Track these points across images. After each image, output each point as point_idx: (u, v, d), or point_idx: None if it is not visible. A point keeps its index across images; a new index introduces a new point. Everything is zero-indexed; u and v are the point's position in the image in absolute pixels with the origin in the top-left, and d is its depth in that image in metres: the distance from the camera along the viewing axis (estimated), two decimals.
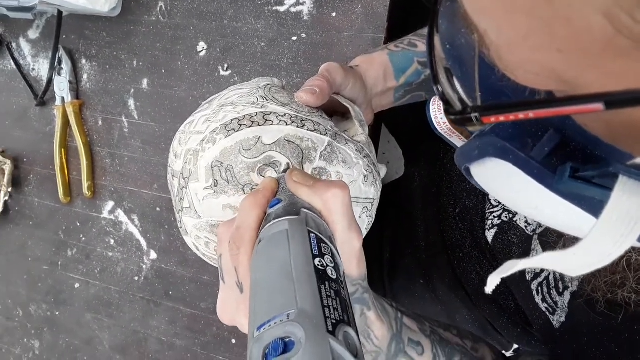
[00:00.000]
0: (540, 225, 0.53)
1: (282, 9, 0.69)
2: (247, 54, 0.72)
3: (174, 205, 0.46)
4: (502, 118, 0.21)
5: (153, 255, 0.81)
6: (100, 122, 0.83)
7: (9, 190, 0.88)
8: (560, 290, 0.47)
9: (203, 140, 0.41)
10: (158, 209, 0.80)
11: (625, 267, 0.36)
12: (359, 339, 0.26)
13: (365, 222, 0.47)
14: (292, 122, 0.42)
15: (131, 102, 0.80)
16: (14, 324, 0.92)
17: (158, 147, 0.79)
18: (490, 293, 0.28)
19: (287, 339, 0.23)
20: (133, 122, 0.80)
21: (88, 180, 0.83)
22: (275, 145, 0.40)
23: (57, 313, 0.89)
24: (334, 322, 0.25)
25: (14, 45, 0.87)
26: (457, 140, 0.43)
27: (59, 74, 0.82)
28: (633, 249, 0.36)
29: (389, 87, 0.56)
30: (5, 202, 0.89)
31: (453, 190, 0.74)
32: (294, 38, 0.69)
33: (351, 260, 0.36)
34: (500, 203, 0.62)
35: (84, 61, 0.83)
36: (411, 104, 0.60)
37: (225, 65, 0.73)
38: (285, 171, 0.40)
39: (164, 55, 0.77)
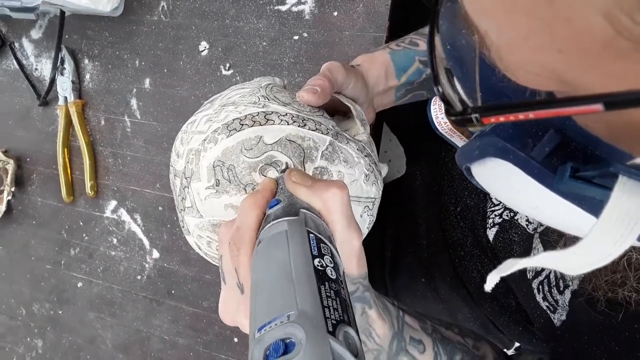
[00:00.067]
0: (541, 224, 0.53)
1: (283, 8, 0.70)
2: (248, 53, 0.72)
3: (176, 204, 0.47)
4: (502, 119, 0.21)
5: (155, 254, 0.81)
6: (102, 122, 0.83)
7: (12, 189, 0.88)
8: (561, 289, 0.47)
9: (205, 140, 0.42)
10: (160, 208, 0.80)
11: (626, 266, 0.36)
12: (359, 338, 0.26)
13: (367, 221, 0.47)
14: (294, 122, 0.42)
15: (133, 102, 0.80)
16: (17, 323, 0.92)
17: (160, 147, 0.79)
18: (490, 291, 0.28)
19: (288, 340, 0.24)
20: (135, 121, 0.80)
21: (91, 179, 0.83)
22: (276, 144, 0.41)
23: (60, 312, 0.89)
24: (334, 322, 0.25)
25: (16, 45, 0.88)
26: (458, 140, 0.43)
27: (62, 74, 0.82)
28: (633, 248, 0.36)
29: (390, 86, 0.56)
30: (9, 202, 0.89)
31: (454, 189, 0.74)
32: (296, 37, 0.69)
33: (351, 259, 0.36)
34: (501, 202, 0.62)
35: (86, 61, 0.83)
36: (412, 103, 0.60)
37: (227, 65, 0.73)
38: (284, 171, 0.40)
39: (166, 55, 0.77)
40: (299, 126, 0.42)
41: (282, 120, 0.42)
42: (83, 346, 0.87)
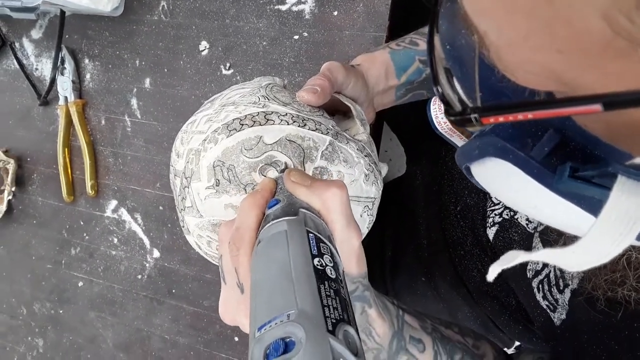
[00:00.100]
0: (541, 223, 0.53)
1: (283, 7, 0.70)
2: (249, 53, 0.72)
3: (176, 204, 0.47)
4: (501, 119, 0.21)
5: (156, 253, 0.81)
6: (103, 122, 0.83)
7: (13, 189, 0.88)
8: (561, 288, 0.47)
9: (205, 139, 0.42)
10: (161, 207, 0.80)
11: (626, 266, 0.36)
12: (359, 337, 0.26)
13: (367, 221, 0.48)
14: (294, 122, 0.42)
15: (134, 102, 0.80)
16: (18, 322, 0.93)
17: (161, 146, 0.79)
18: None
19: (288, 339, 0.24)
20: (136, 121, 0.80)
21: (91, 179, 0.83)
22: (276, 144, 0.41)
23: (61, 311, 0.89)
24: (334, 321, 0.25)
25: (17, 45, 0.88)
26: (458, 140, 0.43)
27: (62, 74, 0.82)
28: (633, 247, 0.36)
29: (390, 85, 0.56)
30: (9, 201, 0.89)
31: (454, 188, 0.74)
32: (296, 37, 0.69)
33: (351, 258, 0.36)
34: (501, 201, 0.62)
35: (86, 61, 0.83)
36: (413, 102, 0.60)
37: (228, 64, 0.73)
38: (284, 171, 0.40)
39: (166, 55, 0.77)
40: (298, 126, 0.42)
41: (282, 120, 0.42)
42: (84, 345, 0.87)
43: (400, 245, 0.85)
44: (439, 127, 0.43)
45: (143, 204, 0.81)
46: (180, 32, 0.76)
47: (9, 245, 0.93)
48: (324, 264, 0.29)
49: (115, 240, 0.84)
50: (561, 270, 0.47)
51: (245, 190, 0.41)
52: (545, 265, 0.50)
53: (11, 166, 0.88)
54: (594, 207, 0.25)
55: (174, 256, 0.80)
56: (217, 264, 0.40)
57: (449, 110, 0.24)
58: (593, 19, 0.15)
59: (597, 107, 0.17)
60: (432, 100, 0.44)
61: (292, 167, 0.41)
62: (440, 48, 0.27)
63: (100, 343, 0.86)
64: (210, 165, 0.41)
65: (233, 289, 0.36)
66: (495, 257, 0.65)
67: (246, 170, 0.40)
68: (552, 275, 0.48)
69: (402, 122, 0.95)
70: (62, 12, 0.78)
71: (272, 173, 0.41)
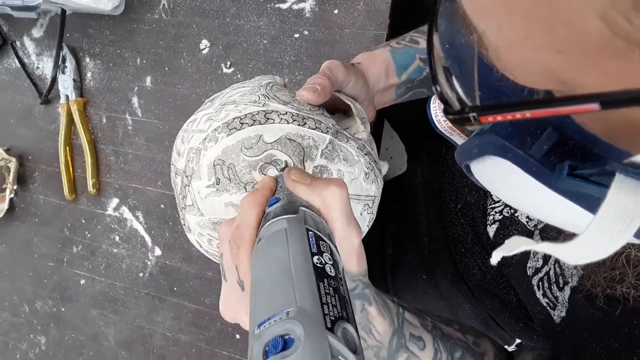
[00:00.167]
0: (541, 221, 0.53)
1: (284, 6, 0.70)
2: (249, 52, 0.72)
3: (177, 202, 0.47)
4: (499, 118, 0.21)
5: (157, 251, 0.81)
6: (104, 120, 0.83)
7: (15, 187, 0.89)
8: (561, 286, 0.47)
9: (205, 138, 0.42)
10: (162, 205, 0.80)
11: (625, 263, 0.36)
12: (358, 335, 0.26)
13: (367, 220, 0.48)
14: (294, 121, 0.42)
15: (135, 100, 0.80)
16: (20, 320, 0.93)
17: (162, 145, 0.79)
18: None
19: (287, 337, 0.24)
20: (137, 119, 0.81)
21: (93, 177, 0.83)
22: (276, 143, 0.41)
23: (63, 309, 0.89)
24: (333, 319, 0.25)
25: (18, 43, 0.88)
26: (458, 138, 0.43)
27: (63, 72, 0.82)
28: (632, 245, 0.36)
29: (390, 84, 0.56)
30: (11, 200, 0.89)
31: (455, 186, 0.75)
32: (296, 35, 0.69)
33: (351, 256, 0.37)
34: (501, 199, 0.62)
35: (87, 59, 0.83)
36: (413, 100, 0.60)
37: (228, 63, 0.74)
38: (284, 170, 0.41)
39: (167, 53, 0.77)
40: (298, 125, 0.42)
41: (282, 119, 0.42)
42: (86, 343, 0.88)
43: (401, 243, 0.85)
44: (438, 126, 0.43)
45: (144, 202, 0.82)
46: (180, 30, 0.76)
47: (11, 243, 0.93)
48: (324, 262, 0.29)
49: (117, 238, 0.84)
50: (561, 268, 0.48)
51: (246, 188, 0.41)
52: (545, 263, 0.50)
53: (13, 164, 0.88)
54: (592, 204, 0.25)
55: (175, 254, 0.80)
56: (218, 262, 0.40)
57: (447, 109, 0.24)
58: (591, 20, 0.15)
59: (595, 106, 0.17)
60: (432, 98, 0.44)
61: (292, 165, 0.41)
62: (439, 47, 0.27)
63: (102, 341, 0.86)
64: (210, 164, 0.41)
65: (234, 287, 0.37)
66: None
67: (246, 169, 0.41)
68: (552, 272, 0.49)
69: (402, 120, 0.95)
70: (63, 11, 0.78)
71: (272, 172, 0.41)
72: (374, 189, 0.47)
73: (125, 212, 0.83)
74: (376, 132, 0.71)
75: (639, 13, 0.14)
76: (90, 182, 0.83)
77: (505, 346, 0.57)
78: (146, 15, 0.78)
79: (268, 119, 0.42)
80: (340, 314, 0.26)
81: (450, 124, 0.43)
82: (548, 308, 0.49)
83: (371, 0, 0.65)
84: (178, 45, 0.77)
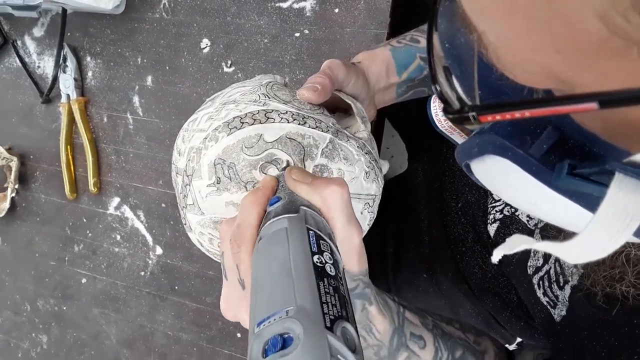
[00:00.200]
0: (541, 220, 0.53)
1: (284, 5, 0.70)
2: (250, 51, 0.72)
3: (178, 202, 0.47)
4: (498, 117, 0.21)
5: (159, 250, 0.82)
6: (105, 119, 0.83)
7: (16, 186, 0.89)
8: (561, 284, 0.47)
9: (206, 138, 0.42)
10: (163, 204, 0.80)
11: (624, 262, 0.36)
12: (357, 334, 0.26)
13: (367, 218, 0.48)
14: (294, 120, 0.42)
15: (136, 99, 0.80)
16: (22, 319, 0.93)
17: (163, 144, 0.79)
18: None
19: (286, 335, 0.24)
20: (138, 118, 0.81)
21: (94, 176, 0.84)
22: (277, 142, 0.41)
23: (65, 308, 0.90)
24: (332, 318, 0.25)
25: (19, 43, 0.88)
26: (458, 137, 0.43)
27: (64, 72, 0.83)
28: (632, 244, 0.36)
29: (391, 83, 0.56)
30: (12, 199, 0.90)
31: (455, 185, 0.75)
32: (297, 34, 0.69)
33: (351, 256, 0.37)
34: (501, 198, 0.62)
35: (88, 58, 0.83)
36: (414, 99, 0.60)
37: (229, 62, 0.74)
38: (284, 169, 0.41)
39: (168, 52, 0.77)
40: (299, 124, 0.42)
41: (282, 118, 0.42)
42: (87, 341, 0.88)
43: (401, 242, 0.85)
44: (439, 125, 0.43)
45: (145, 201, 0.82)
46: (181, 29, 0.76)
47: (12, 242, 0.94)
48: (324, 261, 0.30)
49: (118, 237, 0.84)
50: (561, 267, 0.48)
51: (246, 188, 0.41)
52: (545, 261, 0.50)
53: (14, 164, 0.88)
54: (592, 204, 0.25)
55: (176, 253, 0.80)
56: (219, 261, 0.40)
57: (447, 109, 0.25)
58: (590, 19, 0.15)
59: (594, 105, 0.17)
60: (432, 98, 0.44)
61: (293, 165, 0.41)
62: (439, 46, 0.27)
63: (104, 339, 0.87)
64: (211, 163, 0.41)
65: (234, 286, 0.37)
66: None
67: (247, 168, 0.41)
68: (552, 271, 0.49)
69: (403, 119, 0.95)
70: (64, 10, 0.78)
71: (273, 171, 0.41)
72: (375, 188, 0.47)
73: (127, 211, 0.83)
74: (377, 131, 0.71)
75: (637, 12, 0.14)
76: (91, 181, 0.83)
77: (506, 345, 0.57)
78: (147, 14, 0.78)
79: (268, 118, 0.42)
80: (339, 313, 0.26)
81: (450, 123, 0.43)
82: (548, 307, 0.49)
83: None
84: (179, 44, 0.77)
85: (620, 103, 0.16)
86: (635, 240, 0.24)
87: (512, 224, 0.58)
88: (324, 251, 0.31)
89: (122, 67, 0.81)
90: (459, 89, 0.26)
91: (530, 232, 0.54)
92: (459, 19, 0.22)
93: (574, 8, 0.15)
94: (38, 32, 0.87)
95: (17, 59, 0.87)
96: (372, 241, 0.86)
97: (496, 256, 0.26)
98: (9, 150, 0.89)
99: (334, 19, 0.67)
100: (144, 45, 0.79)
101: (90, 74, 0.84)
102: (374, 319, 0.41)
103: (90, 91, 0.84)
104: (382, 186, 0.48)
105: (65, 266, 0.89)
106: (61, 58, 0.81)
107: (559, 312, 0.47)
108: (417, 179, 0.86)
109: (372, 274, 0.40)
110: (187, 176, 0.43)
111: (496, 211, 0.62)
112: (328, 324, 0.25)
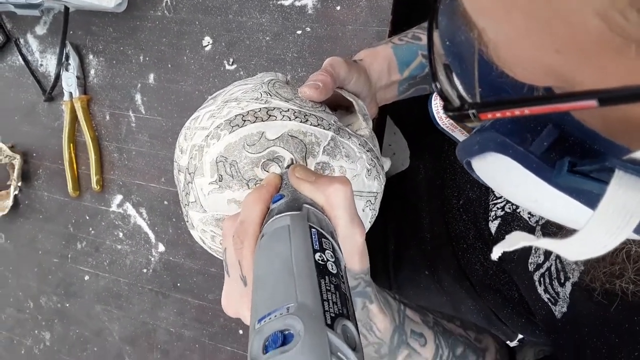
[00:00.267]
0: (542, 217, 0.53)
1: (286, 2, 0.70)
2: (252, 48, 0.72)
3: (180, 199, 0.47)
4: (498, 114, 0.21)
5: (161, 247, 0.82)
6: (107, 117, 0.84)
7: (19, 184, 0.89)
8: (562, 281, 0.47)
9: (208, 135, 0.42)
10: (166, 202, 0.81)
11: (625, 259, 0.36)
12: (358, 332, 0.26)
13: (369, 216, 0.48)
14: (296, 117, 0.42)
15: (138, 97, 0.81)
16: (25, 316, 0.94)
17: (165, 141, 0.80)
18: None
19: (287, 332, 0.24)
20: (140, 116, 0.81)
21: (96, 174, 0.84)
22: (278, 140, 0.41)
23: (67, 305, 0.90)
24: (333, 315, 0.25)
25: (21, 41, 0.88)
26: (459, 135, 0.43)
27: (67, 70, 0.83)
28: (633, 241, 0.36)
29: (393, 80, 0.56)
30: (15, 196, 0.90)
31: (457, 182, 0.75)
32: (299, 32, 0.69)
33: (353, 254, 0.37)
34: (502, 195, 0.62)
35: (91, 57, 0.83)
36: (415, 96, 0.60)
37: (231, 60, 0.74)
38: (288, 167, 0.41)
39: (170, 50, 0.78)
40: (300, 122, 0.42)
41: (284, 116, 0.42)
42: (90, 338, 0.88)
43: (403, 239, 0.86)
44: (440, 123, 0.43)
45: (148, 198, 0.82)
46: (183, 27, 0.76)
47: (15, 239, 0.94)
48: (326, 259, 0.30)
49: (121, 234, 0.85)
50: (562, 264, 0.48)
51: (248, 185, 0.41)
52: (546, 258, 0.50)
53: (17, 161, 0.88)
54: (592, 201, 0.25)
55: (178, 250, 0.81)
56: (221, 258, 0.40)
57: (447, 106, 0.25)
58: (589, 17, 0.15)
59: (593, 102, 0.17)
60: (434, 95, 0.44)
61: (296, 162, 0.41)
62: (439, 44, 0.27)
63: (107, 336, 0.87)
64: (213, 161, 0.41)
65: (236, 282, 0.37)
66: None
67: (249, 166, 0.41)
68: (553, 268, 0.49)
69: (405, 116, 0.95)
70: (66, 9, 0.79)
71: (275, 168, 0.41)
72: (376, 186, 0.47)
73: (129, 209, 0.84)
74: (379, 129, 0.71)
75: (635, 10, 0.14)
76: (94, 178, 0.84)
77: (507, 341, 0.57)
78: (149, 12, 0.78)
79: (270, 116, 0.42)
80: (340, 311, 0.26)
81: (451, 121, 0.43)
82: (549, 303, 0.49)
83: None
84: (181, 42, 0.77)
85: (620, 100, 0.16)
86: (636, 237, 0.24)
87: (514, 221, 0.58)
88: (326, 249, 0.31)
89: (125, 65, 0.81)
90: (460, 87, 0.26)
91: (531, 229, 0.54)
92: (459, 17, 0.22)
93: (573, 6, 0.15)
94: (40, 30, 0.87)
95: (19, 57, 0.87)
96: (374, 238, 0.86)
97: (496, 253, 0.26)
98: (11, 148, 0.89)
99: (336, 16, 0.67)
100: (146, 43, 0.79)
101: (92, 72, 0.84)
102: (375, 317, 0.41)
103: (93, 89, 0.84)
104: (383, 183, 0.49)
105: (68, 263, 0.89)
106: (64, 56, 0.82)
107: (559, 309, 0.48)
108: (419, 176, 0.86)
109: (374, 271, 0.40)
110: (190, 174, 0.43)
111: (497, 208, 0.62)
112: (329, 322, 0.25)
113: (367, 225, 0.49)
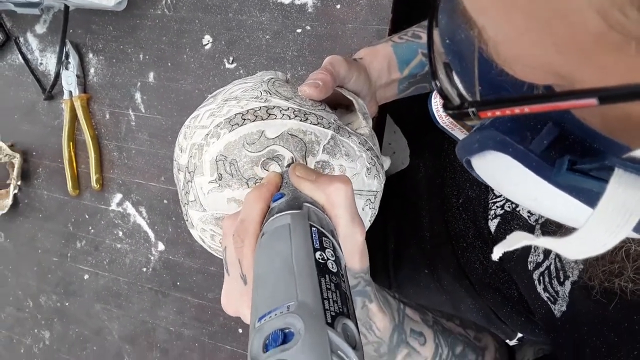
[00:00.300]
0: (542, 216, 0.53)
1: (286, 1, 0.70)
2: (252, 47, 0.72)
3: (180, 198, 0.47)
4: (498, 113, 0.21)
5: (161, 246, 0.82)
6: (107, 116, 0.84)
7: (19, 183, 0.89)
8: (561, 280, 0.47)
9: (207, 134, 0.42)
10: (165, 201, 0.81)
11: (624, 257, 0.36)
12: (358, 331, 0.26)
13: (369, 215, 0.48)
14: (295, 116, 0.42)
15: (138, 96, 0.81)
16: (24, 315, 0.94)
17: (165, 140, 0.80)
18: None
19: (287, 330, 0.24)
20: (140, 115, 0.81)
21: (96, 173, 0.84)
22: (278, 139, 0.41)
23: (67, 304, 0.90)
24: (333, 314, 0.25)
25: (21, 39, 0.88)
26: (459, 133, 0.43)
27: (67, 68, 0.83)
28: (632, 239, 0.36)
29: (392, 79, 0.56)
30: (15, 195, 0.90)
31: (456, 181, 0.75)
32: (299, 30, 0.69)
33: (353, 254, 0.37)
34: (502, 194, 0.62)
35: (90, 55, 0.83)
36: (415, 95, 0.60)
37: (231, 58, 0.74)
38: (289, 165, 0.41)
39: (170, 49, 0.77)
40: (300, 120, 0.42)
41: (283, 114, 0.42)
42: (90, 337, 0.88)
43: (403, 237, 0.86)
44: (440, 121, 0.43)
45: (147, 197, 0.82)
46: (183, 26, 0.76)
47: (15, 238, 0.94)
48: (326, 258, 0.30)
49: (120, 233, 0.85)
50: (562, 263, 0.48)
51: (248, 184, 0.41)
52: (546, 257, 0.50)
53: (17, 160, 0.88)
54: (592, 199, 0.25)
55: (178, 249, 0.81)
56: (221, 257, 0.40)
57: (447, 104, 0.25)
58: (589, 14, 0.15)
59: (593, 101, 0.17)
60: (433, 94, 0.44)
61: (296, 161, 0.41)
62: (439, 42, 0.27)
63: (106, 335, 0.87)
64: (212, 160, 0.41)
65: (236, 280, 0.37)
66: None
67: (248, 165, 0.41)
68: (552, 267, 0.49)
69: (405, 115, 0.95)
70: (66, 7, 0.79)
71: (274, 167, 0.41)
72: (376, 184, 0.47)
73: (129, 208, 0.84)
74: (378, 127, 0.71)
75: (634, 7, 0.14)
76: (93, 177, 0.84)
77: (507, 340, 0.57)
78: (149, 11, 0.78)
79: (270, 114, 0.42)
80: (340, 310, 0.26)
81: (451, 119, 0.43)
82: (549, 302, 0.49)
83: None
84: (181, 40, 0.77)
85: (620, 99, 0.16)
86: (635, 235, 0.25)
87: (513, 219, 0.58)
88: (326, 248, 0.31)
89: (124, 63, 0.81)
90: (460, 85, 0.26)
91: (531, 228, 0.54)
92: (459, 15, 0.22)
93: (573, 4, 0.15)
94: (40, 29, 0.87)
95: (19, 55, 0.87)
96: (374, 237, 0.86)
97: (496, 253, 0.26)
98: (11, 147, 0.89)
99: (336, 15, 0.67)
100: (146, 42, 0.79)
101: (92, 70, 0.84)
102: (374, 316, 0.41)
103: (93, 88, 0.84)
104: (383, 182, 0.49)
105: (68, 262, 0.89)
106: (63, 55, 0.81)
107: (559, 308, 0.48)
108: (419, 175, 0.86)
109: (373, 270, 0.40)
110: (189, 173, 0.43)
111: (497, 207, 0.62)
112: (329, 320, 0.25)
113: (367, 224, 0.49)
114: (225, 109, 0.43)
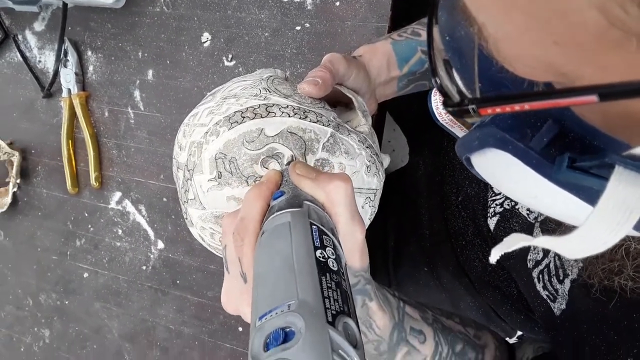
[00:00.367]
0: (541, 213, 0.53)
1: None
2: (251, 44, 0.72)
3: (179, 196, 0.47)
4: (498, 110, 0.21)
5: (160, 244, 0.82)
6: (106, 114, 0.83)
7: (18, 181, 0.89)
8: (561, 278, 0.47)
9: (207, 132, 0.42)
10: (165, 199, 0.81)
11: (624, 255, 0.36)
12: (359, 329, 0.26)
13: (368, 213, 0.48)
14: (295, 114, 0.42)
15: (137, 93, 0.80)
16: (24, 313, 0.94)
17: (164, 138, 0.80)
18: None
19: (288, 329, 0.24)
20: (139, 113, 0.81)
21: (95, 171, 0.84)
22: (278, 137, 0.41)
23: (67, 302, 0.90)
24: (334, 313, 0.25)
25: (20, 37, 0.88)
26: (459, 131, 0.43)
27: (65, 66, 0.83)
28: (632, 237, 0.36)
29: (392, 76, 0.56)
30: (14, 193, 0.90)
31: (456, 179, 0.75)
32: (298, 28, 0.69)
33: (354, 252, 0.37)
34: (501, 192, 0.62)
35: (89, 53, 0.83)
36: (415, 92, 0.60)
37: (230, 56, 0.74)
38: (289, 163, 0.41)
39: (169, 46, 0.77)
40: (300, 118, 0.42)
41: (283, 112, 0.42)
42: (89, 336, 0.88)
43: (402, 235, 0.86)
44: (439, 119, 0.43)
45: (147, 195, 0.82)
46: (182, 23, 0.76)
47: (14, 236, 0.94)
48: (326, 256, 0.30)
49: (120, 231, 0.85)
50: (561, 261, 0.48)
51: (247, 182, 0.41)
52: (545, 255, 0.50)
53: (16, 158, 0.88)
54: (592, 197, 0.25)
55: (178, 247, 0.81)
56: (221, 256, 0.40)
57: (447, 102, 0.24)
58: (588, 11, 0.15)
59: (593, 98, 0.17)
60: (433, 91, 0.44)
61: (295, 159, 0.41)
62: (439, 39, 0.27)
63: (106, 333, 0.87)
64: (212, 158, 0.41)
65: (236, 279, 0.37)
66: None
67: (248, 163, 0.41)
68: (552, 265, 0.49)
69: (404, 113, 0.95)
70: (65, 5, 0.78)
71: (274, 165, 0.41)
72: (376, 182, 0.47)
73: (128, 206, 0.83)
74: (378, 125, 0.71)
75: (635, 3, 0.14)
76: (92, 175, 0.84)
77: (507, 338, 0.57)
78: (147, 8, 0.78)
79: (269, 112, 0.42)
80: (341, 308, 0.26)
81: (451, 117, 0.43)
82: (548, 300, 0.49)
83: None
84: (179, 38, 0.76)
85: (620, 96, 0.16)
86: (635, 233, 0.24)
87: (512, 217, 0.58)
88: (327, 246, 0.31)
89: (123, 61, 0.81)
90: (459, 82, 0.26)
91: (530, 226, 0.54)
92: (459, 12, 0.22)
93: (572, 2, 0.15)
94: (39, 26, 0.86)
95: (18, 53, 0.87)
96: (373, 234, 0.86)
97: (494, 255, 0.26)
98: (10, 145, 0.89)
99: (335, 12, 0.67)
100: (144, 40, 0.79)
101: (91, 68, 0.83)
102: (374, 314, 0.41)
103: (91, 85, 0.84)
104: (383, 180, 0.48)
105: (67, 260, 0.89)
106: (62, 52, 0.81)
107: (558, 306, 0.48)
108: (418, 173, 0.86)
109: (373, 268, 0.40)
110: (189, 171, 0.43)
111: (496, 205, 0.62)
112: (330, 319, 0.25)
113: (367, 222, 0.49)
114: (224, 106, 0.43)
